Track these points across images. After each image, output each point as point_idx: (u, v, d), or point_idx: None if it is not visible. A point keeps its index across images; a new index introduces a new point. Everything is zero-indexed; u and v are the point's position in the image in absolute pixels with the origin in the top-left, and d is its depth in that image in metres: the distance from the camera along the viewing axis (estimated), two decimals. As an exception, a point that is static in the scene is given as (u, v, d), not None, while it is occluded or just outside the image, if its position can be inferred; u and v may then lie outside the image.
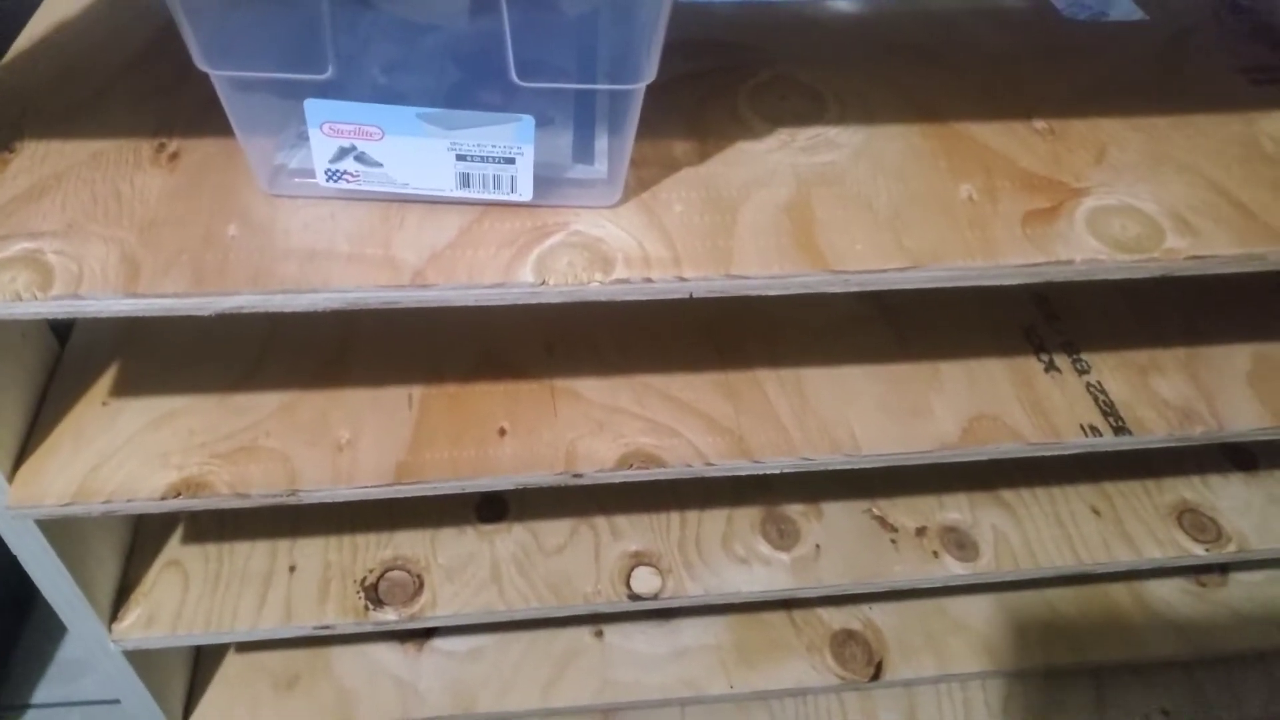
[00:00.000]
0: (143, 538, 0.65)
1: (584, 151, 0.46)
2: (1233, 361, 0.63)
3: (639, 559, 0.67)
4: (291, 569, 0.65)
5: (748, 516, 0.70)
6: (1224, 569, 0.86)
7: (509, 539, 0.67)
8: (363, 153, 0.42)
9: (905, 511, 0.71)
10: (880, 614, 0.79)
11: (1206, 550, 0.70)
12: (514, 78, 0.39)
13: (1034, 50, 0.58)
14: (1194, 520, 0.72)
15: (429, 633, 0.76)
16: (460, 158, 0.43)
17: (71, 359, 0.56)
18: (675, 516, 0.69)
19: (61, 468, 0.51)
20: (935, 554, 0.68)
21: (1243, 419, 0.59)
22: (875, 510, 0.71)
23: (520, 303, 0.43)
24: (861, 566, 0.67)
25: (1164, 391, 0.60)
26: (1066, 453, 0.58)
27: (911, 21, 0.60)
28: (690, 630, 0.78)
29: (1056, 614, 0.81)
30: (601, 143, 0.46)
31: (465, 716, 0.72)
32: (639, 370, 0.59)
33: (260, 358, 0.58)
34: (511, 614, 0.64)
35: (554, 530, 0.68)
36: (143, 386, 0.55)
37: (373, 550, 0.66)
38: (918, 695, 0.85)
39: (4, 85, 0.50)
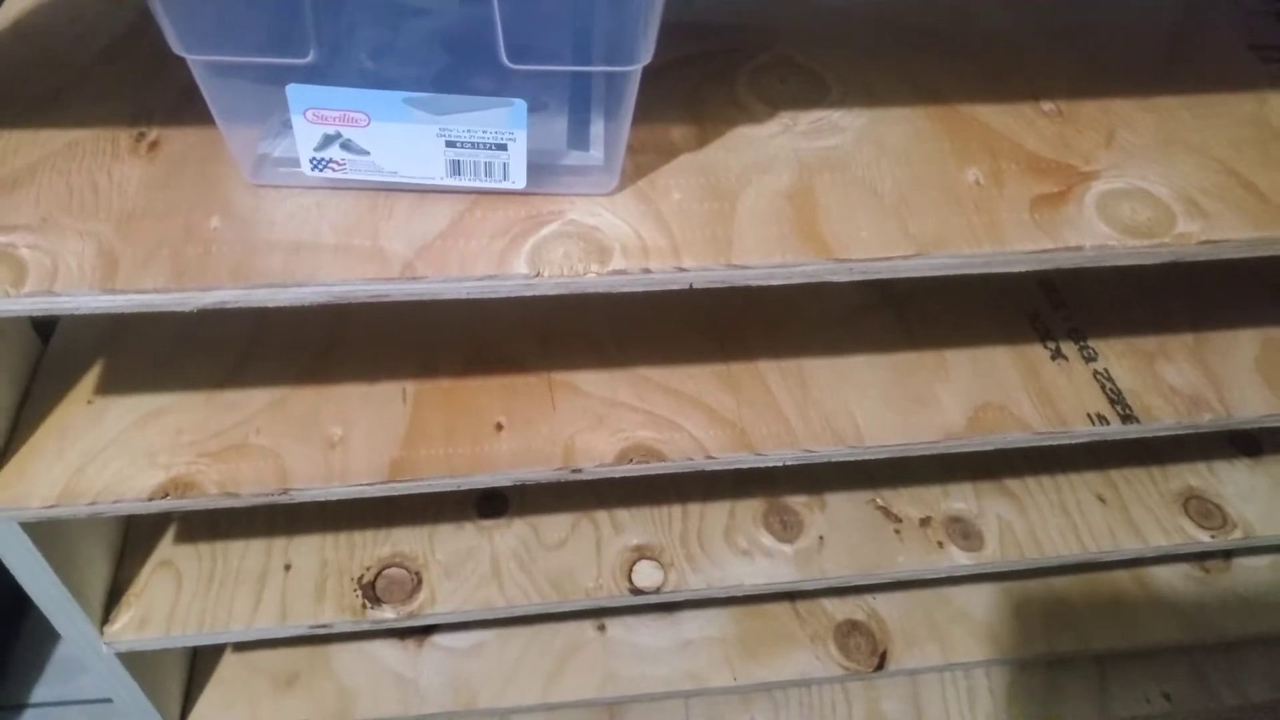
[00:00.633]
0: (134, 538, 0.64)
1: (579, 137, 0.44)
2: (1240, 348, 0.62)
3: (641, 553, 0.66)
4: (287, 568, 0.64)
5: (750, 508, 0.69)
6: (1228, 555, 0.85)
7: (509, 534, 0.66)
8: (349, 140, 0.41)
9: (909, 502, 0.70)
10: (884, 604, 0.79)
11: (1212, 537, 0.69)
12: (505, 61, 0.38)
13: (1041, 29, 0.56)
14: (1200, 507, 0.71)
15: (429, 629, 0.75)
16: (450, 144, 0.41)
17: (54, 356, 0.55)
18: (677, 509, 0.68)
19: (46, 469, 0.49)
20: (940, 544, 0.67)
21: (1251, 406, 0.58)
22: (879, 501, 0.70)
23: (514, 295, 0.42)
24: (865, 558, 0.66)
25: (1172, 379, 0.59)
26: (1074, 441, 0.57)
27: (915, 0, 0.59)
28: (693, 623, 0.77)
29: (1060, 601, 0.81)
30: (597, 128, 0.44)
31: (467, 712, 0.72)
32: (638, 362, 0.57)
33: (248, 353, 0.56)
34: (512, 610, 0.63)
35: (554, 525, 0.67)
36: (128, 384, 0.54)
37: (370, 547, 0.65)
38: (922, 684, 0.84)
39: (-22, 74, 0.48)
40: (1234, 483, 0.73)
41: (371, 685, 0.72)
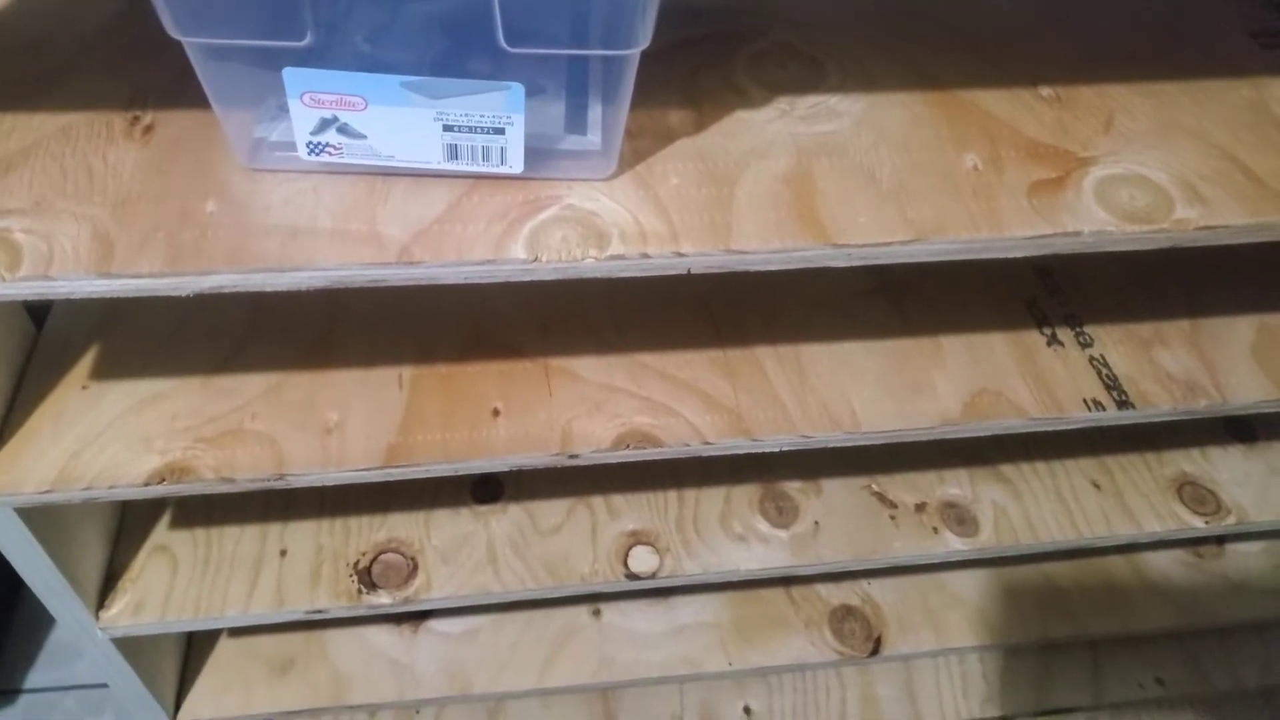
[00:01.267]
0: (129, 523, 0.64)
1: (577, 121, 0.44)
2: (1236, 334, 0.62)
3: (637, 538, 0.66)
4: (283, 553, 0.64)
5: (746, 494, 0.69)
6: (1221, 540, 0.86)
7: (504, 520, 0.67)
8: (345, 124, 0.41)
9: (905, 488, 0.70)
10: (879, 589, 0.79)
11: (1206, 523, 0.70)
12: (503, 44, 0.37)
13: (1039, 14, 0.56)
14: (1194, 493, 0.71)
15: (425, 614, 0.75)
16: (447, 128, 0.41)
17: (49, 342, 0.55)
18: (673, 495, 0.68)
19: (41, 454, 0.49)
20: (935, 530, 0.68)
21: (1246, 391, 0.58)
22: (875, 487, 0.70)
23: (512, 280, 0.42)
24: (860, 543, 0.67)
25: (1167, 364, 0.59)
26: (1069, 427, 0.57)
27: (913, -15, 0.58)
28: (689, 608, 0.77)
29: (1054, 587, 0.81)
30: (595, 112, 0.44)
31: (462, 697, 0.72)
32: (635, 348, 0.57)
33: (245, 338, 0.56)
34: (507, 595, 0.63)
35: (550, 510, 0.67)
36: (124, 369, 0.54)
37: (365, 533, 0.65)
38: (916, 669, 0.85)
39: (-31, 56, 0.48)
40: (1228, 469, 0.73)
41: (367, 670, 0.72)
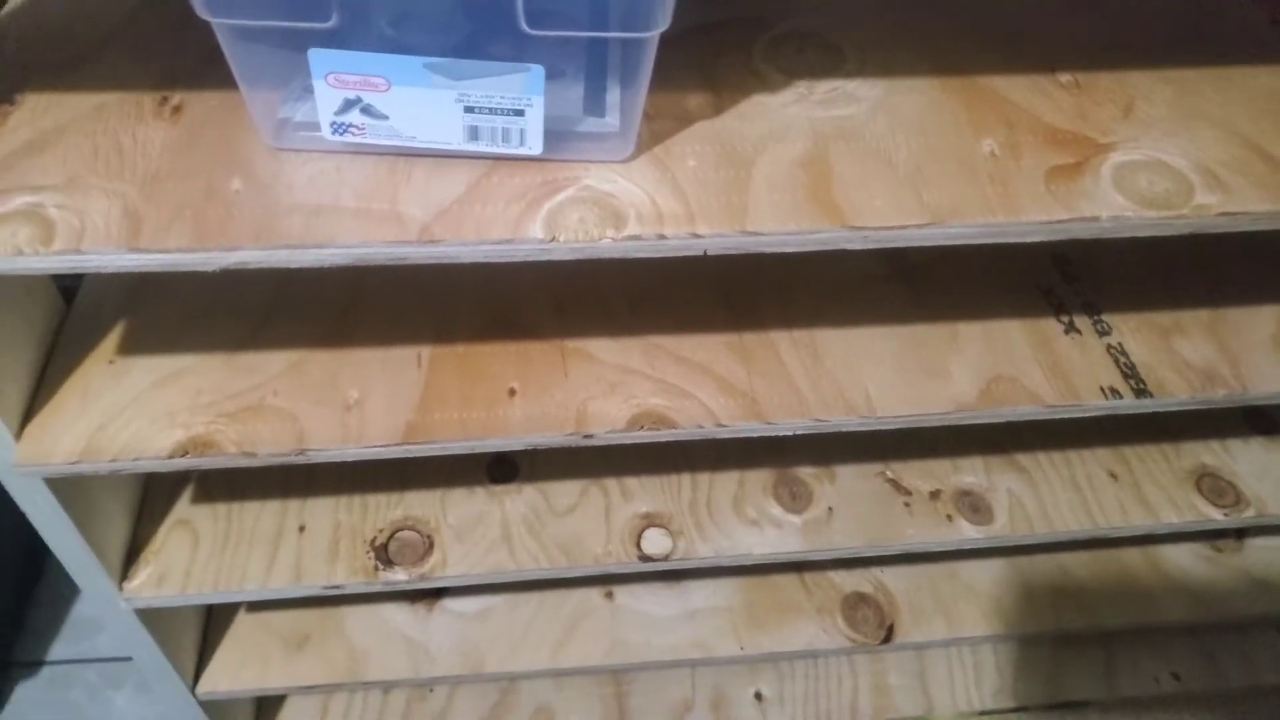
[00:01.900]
0: (152, 497, 0.65)
1: (595, 104, 0.45)
2: (1257, 323, 0.61)
3: (650, 520, 0.66)
4: (301, 529, 0.65)
5: (759, 478, 0.69)
6: (1240, 534, 0.85)
7: (519, 500, 0.67)
8: (369, 105, 0.41)
9: (919, 474, 0.70)
10: (892, 577, 0.79)
11: (1225, 515, 0.69)
12: (524, 27, 0.38)
13: (1059, 0, 0.56)
14: (1213, 485, 0.71)
15: (439, 592, 0.76)
16: (468, 110, 0.41)
17: (78, 317, 0.56)
18: (686, 478, 0.69)
19: (68, 426, 0.50)
20: (949, 517, 0.68)
21: (1266, 382, 0.58)
22: (889, 473, 0.70)
23: (530, 259, 0.42)
24: (874, 529, 0.67)
25: (1186, 353, 0.59)
26: (1086, 415, 0.57)
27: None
28: (701, 592, 0.77)
29: (1069, 578, 0.81)
30: (613, 95, 0.45)
31: (475, 676, 0.73)
32: (651, 330, 0.58)
33: (267, 316, 0.57)
34: (521, 574, 0.64)
35: (564, 491, 0.68)
36: (149, 345, 0.55)
37: (383, 510, 0.66)
38: (928, 658, 0.85)
39: (5, 36, 0.49)
40: (1248, 461, 0.72)
41: (382, 647, 0.73)
